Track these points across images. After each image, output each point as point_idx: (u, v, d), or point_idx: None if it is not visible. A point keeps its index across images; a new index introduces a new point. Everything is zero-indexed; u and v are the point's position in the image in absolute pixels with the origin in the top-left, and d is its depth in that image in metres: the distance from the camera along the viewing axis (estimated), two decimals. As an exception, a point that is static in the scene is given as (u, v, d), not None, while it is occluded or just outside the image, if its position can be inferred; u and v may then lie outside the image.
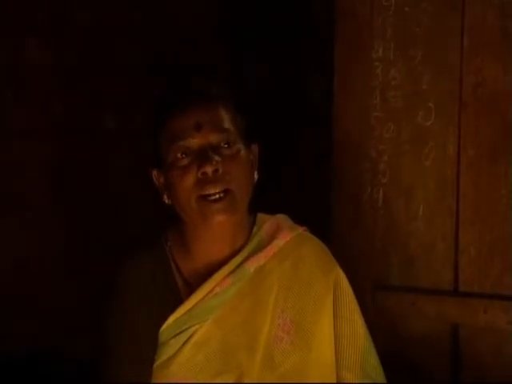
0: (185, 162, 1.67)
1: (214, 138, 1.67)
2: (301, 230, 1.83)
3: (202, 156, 1.66)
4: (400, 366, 2.20)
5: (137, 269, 1.75)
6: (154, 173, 1.76)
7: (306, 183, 3.15)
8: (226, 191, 1.66)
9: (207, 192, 1.65)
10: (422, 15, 2.24)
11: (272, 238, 1.78)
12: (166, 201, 1.74)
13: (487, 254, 2.17)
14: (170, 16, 3.25)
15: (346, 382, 1.75)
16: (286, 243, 1.79)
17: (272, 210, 1.87)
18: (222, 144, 1.68)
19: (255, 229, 1.79)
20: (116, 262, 1.78)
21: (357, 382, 1.75)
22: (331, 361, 1.75)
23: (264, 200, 1.83)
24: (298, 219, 1.86)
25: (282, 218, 1.85)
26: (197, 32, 3.28)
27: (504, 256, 2.15)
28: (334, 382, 1.74)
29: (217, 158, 1.66)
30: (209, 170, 1.65)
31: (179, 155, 1.68)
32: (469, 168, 2.20)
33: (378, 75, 2.30)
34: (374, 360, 1.79)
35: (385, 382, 1.81)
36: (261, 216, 1.83)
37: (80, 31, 3.06)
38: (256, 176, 1.76)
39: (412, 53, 2.25)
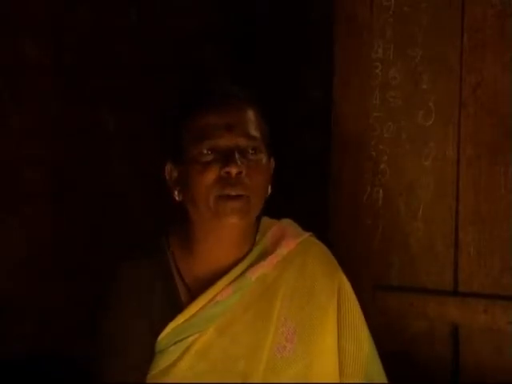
0: (208, 158, 1.66)
1: (242, 142, 1.66)
2: (306, 235, 1.81)
3: (229, 156, 1.64)
4: (400, 366, 2.19)
5: (135, 274, 1.72)
6: (168, 167, 1.73)
7: (306, 183, 3.15)
8: (244, 196, 1.65)
9: (226, 193, 1.64)
10: (422, 15, 2.24)
11: (276, 246, 1.77)
12: (177, 197, 1.71)
13: (487, 254, 2.17)
14: (169, 16, 3.24)
15: None
16: (290, 252, 1.77)
17: (271, 210, 1.86)
18: (249, 149, 1.67)
19: (259, 236, 1.78)
20: (116, 262, 1.76)
21: None
22: (334, 369, 1.74)
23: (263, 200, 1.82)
24: (298, 220, 1.85)
25: (286, 223, 1.83)
26: (197, 32, 3.28)
27: (504, 256, 2.15)
28: None
29: (243, 160, 1.65)
30: (233, 170, 1.63)
31: (205, 151, 1.66)
32: (469, 168, 2.20)
33: (377, 75, 2.30)
34: (377, 366, 1.79)
35: (388, 385, 1.81)
36: (265, 221, 1.82)
37: (80, 31, 3.06)
38: (269, 190, 1.74)
39: (412, 53, 2.25)
